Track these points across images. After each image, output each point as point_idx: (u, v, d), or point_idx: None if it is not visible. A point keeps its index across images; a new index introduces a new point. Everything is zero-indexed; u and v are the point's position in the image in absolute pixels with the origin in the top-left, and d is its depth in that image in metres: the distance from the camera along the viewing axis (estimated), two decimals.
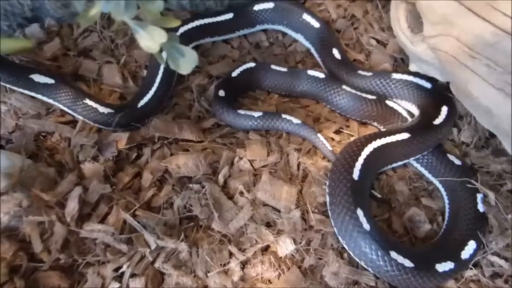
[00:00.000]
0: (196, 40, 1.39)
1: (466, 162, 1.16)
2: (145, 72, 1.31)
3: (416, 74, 1.26)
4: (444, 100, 1.21)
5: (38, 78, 1.16)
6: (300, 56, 1.45)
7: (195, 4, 1.45)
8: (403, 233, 1.08)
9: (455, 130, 1.23)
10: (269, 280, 0.95)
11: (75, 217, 0.96)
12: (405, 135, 1.12)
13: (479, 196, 1.07)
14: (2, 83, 1.16)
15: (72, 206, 0.97)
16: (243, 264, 0.96)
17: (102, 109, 1.15)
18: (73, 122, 1.18)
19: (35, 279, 0.90)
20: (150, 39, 0.56)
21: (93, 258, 0.93)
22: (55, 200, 0.97)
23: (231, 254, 0.97)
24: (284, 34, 1.50)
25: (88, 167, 1.05)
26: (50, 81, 1.17)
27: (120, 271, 0.92)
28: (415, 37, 1.11)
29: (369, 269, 0.96)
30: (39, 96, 1.18)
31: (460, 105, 1.17)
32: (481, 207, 1.06)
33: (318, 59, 1.43)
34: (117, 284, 0.91)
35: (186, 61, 0.62)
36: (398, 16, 1.16)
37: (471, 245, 1.00)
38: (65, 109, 1.18)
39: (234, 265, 0.95)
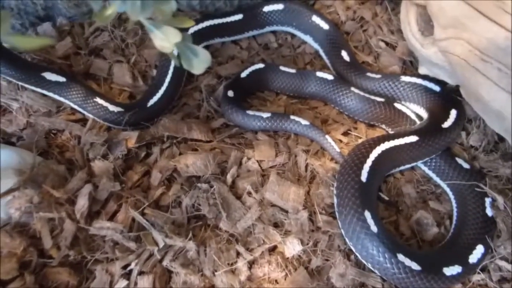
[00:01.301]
0: (206, 40, 1.40)
1: (475, 166, 1.16)
2: (154, 72, 1.32)
3: (425, 77, 1.26)
4: (453, 103, 1.21)
5: (49, 76, 1.18)
6: (308, 57, 1.46)
7: (205, 5, 1.46)
8: (410, 236, 1.08)
9: (463, 134, 1.22)
10: (276, 281, 0.95)
11: (85, 214, 0.97)
12: (413, 138, 1.12)
13: (487, 200, 1.07)
14: (14, 81, 1.18)
15: (82, 203, 0.98)
16: (250, 264, 0.96)
17: (112, 108, 1.16)
18: (83, 120, 1.19)
19: (45, 275, 0.91)
20: (165, 39, 0.57)
21: (102, 255, 0.94)
22: (65, 197, 0.98)
23: (238, 254, 0.97)
24: (293, 36, 1.50)
25: (98, 165, 1.06)
26: (62, 79, 1.18)
27: (128, 268, 0.93)
28: (426, 40, 1.10)
29: (376, 271, 0.96)
30: (51, 94, 1.19)
31: (469, 108, 1.17)
32: (489, 211, 1.05)
33: (327, 61, 1.43)
34: (125, 282, 0.91)
35: (200, 61, 0.62)
36: (409, 19, 1.16)
37: (479, 249, 0.99)
38: (76, 107, 1.19)
39: (241, 264, 0.95)
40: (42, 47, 1.15)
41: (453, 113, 1.18)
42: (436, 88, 1.25)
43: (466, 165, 1.14)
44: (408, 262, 0.93)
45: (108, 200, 1.02)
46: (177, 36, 0.57)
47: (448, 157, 1.16)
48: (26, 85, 1.19)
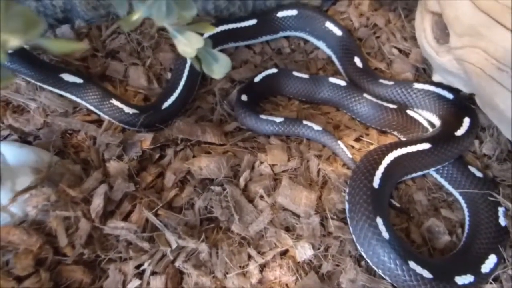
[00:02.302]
0: (220, 45, 1.42)
1: (488, 175, 1.16)
2: (169, 75, 1.34)
3: (438, 85, 1.26)
4: (466, 111, 1.21)
5: (67, 77, 1.20)
6: (321, 63, 1.47)
7: (220, 10, 1.47)
8: (421, 244, 1.08)
9: (477, 142, 1.22)
10: (286, 285, 0.96)
11: (100, 213, 0.98)
12: (426, 146, 1.12)
13: (500, 210, 1.07)
14: (33, 81, 1.20)
15: (98, 203, 0.99)
16: (262, 267, 0.97)
17: (127, 110, 1.18)
18: (98, 121, 1.21)
19: (59, 272, 0.92)
20: (188, 44, 0.58)
21: (116, 254, 0.95)
22: (81, 196, 1.00)
23: (250, 257, 0.98)
24: (306, 41, 1.51)
25: (113, 166, 1.07)
26: (79, 80, 1.20)
27: (141, 268, 0.94)
28: (441, 48, 1.10)
29: (387, 278, 0.96)
30: (68, 95, 1.21)
31: (483, 116, 1.17)
32: (502, 221, 1.05)
33: (339, 67, 1.44)
34: (138, 281, 0.92)
35: (219, 66, 0.64)
36: (424, 26, 1.16)
37: (492, 259, 0.99)
38: (92, 108, 1.21)
39: (252, 267, 0.95)
40: (76, 51, 1.16)
41: (467, 121, 1.18)
42: (449, 95, 1.25)
43: (479, 174, 1.13)
44: (419, 269, 0.93)
45: (122, 201, 1.03)
46: (199, 42, 0.59)
47: (460, 165, 1.15)
48: (44, 86, 1.21)
